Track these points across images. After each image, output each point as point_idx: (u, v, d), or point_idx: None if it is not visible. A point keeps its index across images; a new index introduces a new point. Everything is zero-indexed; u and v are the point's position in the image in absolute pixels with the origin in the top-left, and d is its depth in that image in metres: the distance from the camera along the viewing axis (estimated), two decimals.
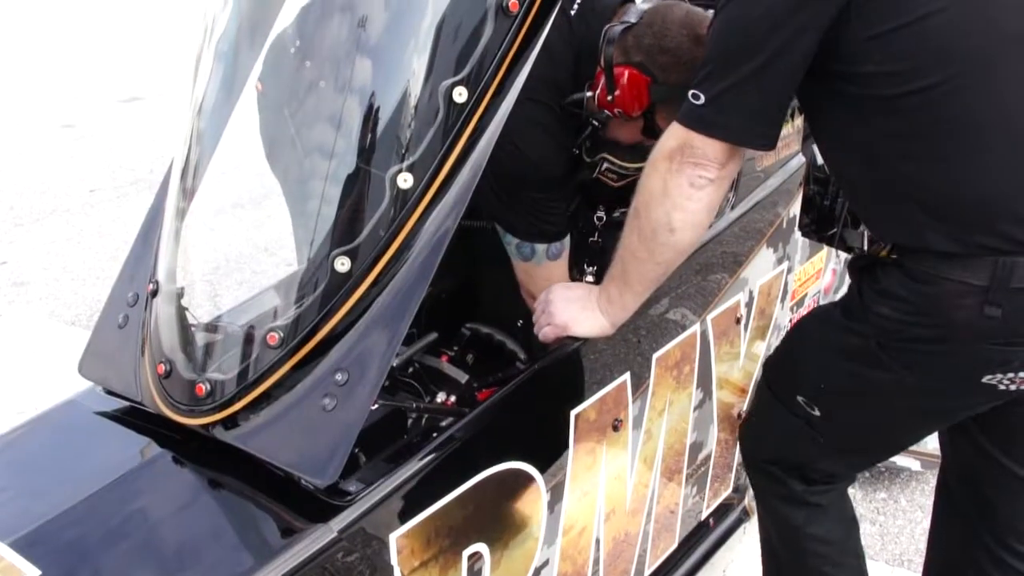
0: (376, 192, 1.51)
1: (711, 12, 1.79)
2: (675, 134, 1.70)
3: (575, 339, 1.91)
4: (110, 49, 10.72)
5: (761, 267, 2.49)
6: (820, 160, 2.81)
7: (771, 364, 2.19)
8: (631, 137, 2.18)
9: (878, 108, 1.63)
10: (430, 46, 1.53)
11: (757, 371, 2.64)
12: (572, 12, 2.07)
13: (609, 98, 2.02)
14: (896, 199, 1.69)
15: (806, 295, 2.85)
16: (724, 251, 2.32)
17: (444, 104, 1.51)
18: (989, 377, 1.70)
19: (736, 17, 1.64)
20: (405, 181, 1.49)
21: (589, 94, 2.06)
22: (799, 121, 2.60)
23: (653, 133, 2.10)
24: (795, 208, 2.61)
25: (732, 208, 2.35)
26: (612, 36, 2.01)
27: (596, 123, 2.11)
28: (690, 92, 1.66)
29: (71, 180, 6.60)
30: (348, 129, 1.54)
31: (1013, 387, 1.70)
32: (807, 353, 2.00)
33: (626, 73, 2.00)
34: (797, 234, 2.66)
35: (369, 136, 1.53)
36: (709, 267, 2.27)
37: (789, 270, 2.66)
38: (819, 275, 2.91)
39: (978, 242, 1.61)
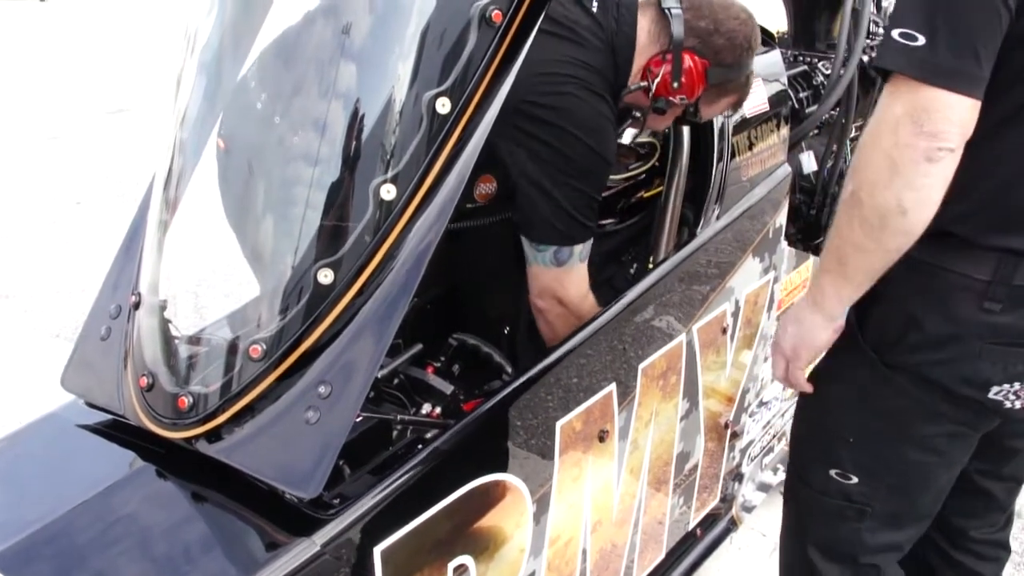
0: (359, 203, 1.50)
1: None
2: (899, 95, 1.45)
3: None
4: (96, 60, 10.70)
5: (747, 277, 2.48)
6: (806, 170, 2.82)
7: (793, 449, 2.03)
8: (664, 126, 2.19)
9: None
10: (413, 57, 1.52)
11: (743, 380, 2.64)
12: (593, 8, 2.02)
13: (675, 84, 1.99)
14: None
15: (792, 305, 2.85)
16: (710, 260, 2.32)
17: (427, 115, 1.50)
18: (997, 390, 1.64)
19: None
20: (388, 192, 1.49)
21: (644, 84, 2.03)
22: (784, 131, 2.60)
23: (685, 121, 2.13)
24: (781, 218, 2.61)
25: (718, 218, 2.35)
26: (679, 21, 1.99)
27: (638, 114, 2.09)
28: (895, 32, 1.42)
29: (57, 192, 6.58)
30: (331, 140, 1.53)
31: (1018, 404, 1.66)
32: (824, 415, 1.89)
33: (687, 58, 1.98)
34: (783, 243, 2.66)
35: (352, 147, 1.53)
36: (695, 276, 2.27)
37: (775, 280, 2.66)
38: (805, 285, 2.91)
39: (992, 240, 1.57)
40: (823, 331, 1.73)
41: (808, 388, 1.83)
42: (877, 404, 1.77)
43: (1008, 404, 1.67)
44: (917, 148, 1.43)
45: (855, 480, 1.84)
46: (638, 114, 2.08)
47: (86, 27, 12.35)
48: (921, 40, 1.41)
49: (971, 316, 1.60)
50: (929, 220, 1.51)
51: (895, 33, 1.43)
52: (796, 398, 3.19)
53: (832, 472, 1.85)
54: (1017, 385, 1.64)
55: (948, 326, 1.63)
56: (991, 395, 1.66)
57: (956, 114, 1.42)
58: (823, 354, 1.79)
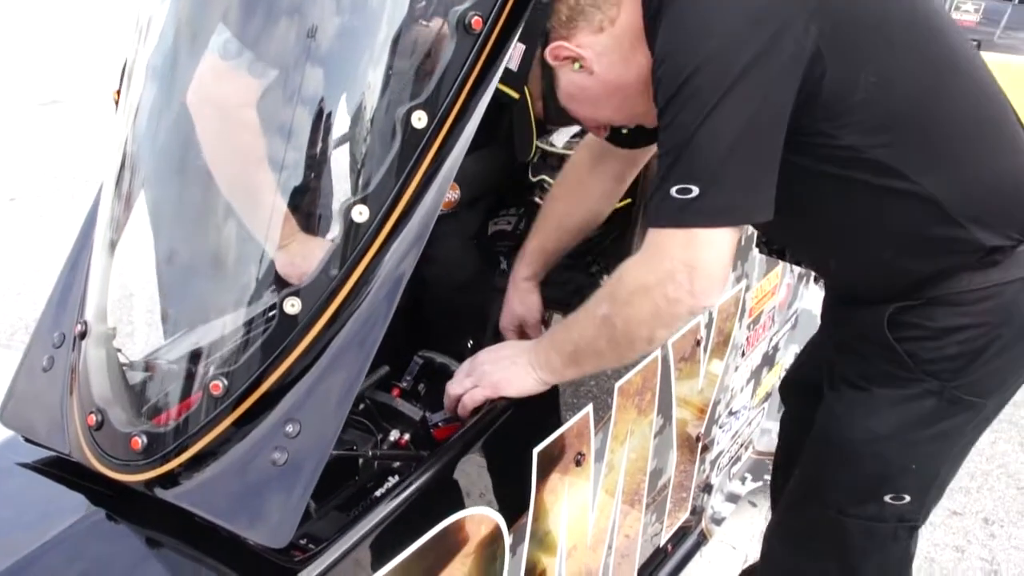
0: (328, 227, 1.39)
1: None
2: (667, 248, 1.48)
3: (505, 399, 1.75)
4: (26, 50, 10.36)
5: None
6: None
7: (827, 489, 1.93)
8: None
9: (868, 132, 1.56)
10: (386, 67, 1.41)
11: (715, 392, 2.56)
12: None
13: None
14: (922, 222, 1.63)
15: (762, 312, 2.79)
16: None
17: (402, 130, 1.39)
18: None
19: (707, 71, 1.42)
20: (360, 214, 1.37)
21: None
22: None
23: None
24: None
25: None
26: None
27: None
28: (671, 189, 1.43)
29: None
30: (296, 158, 1.41)
31: None
32: (881, 450, 1.81)
33: None
34: (754, 251, 2.59)
35: (319, 165, 1.41)
36: None
37: (747, 288, 2.59)
38: (775, 291, 2.85)
39: (1022, 228, 1.65)
40: (530, 388, 1.72)
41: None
42: (943, 426, 1.77)
43: None
44: (683, 304, 1.50)
45: (908, 499, 1.84)
46: None
47: (13, 14, 11.97)
48: (696, 191, 1.42)
49: None
50: None
51: (672, 191, 1.44)
52: (765, 406, 3.16)
53: (886, 498, 1.84)
54: None
55: (1017, 330, 1.69)
56: None
57: (725, 255, 1.48)
58: None
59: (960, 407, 1.74)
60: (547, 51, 1.61)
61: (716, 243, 1.46)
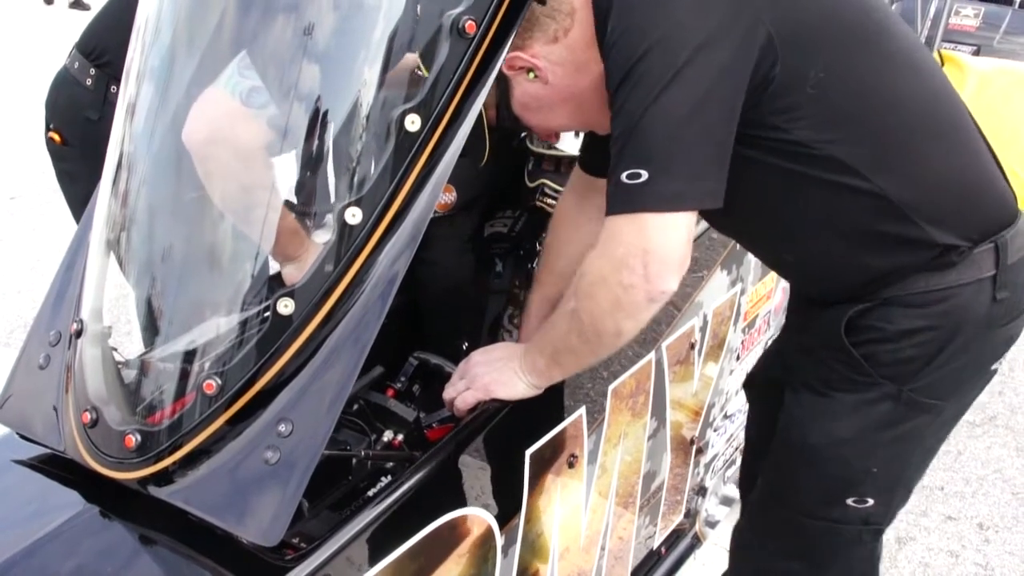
0: (322, 228, 1.40)
1: None
2: (620, 234, 1.48)
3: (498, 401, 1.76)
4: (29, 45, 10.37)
5: (715, 290, 2.42)
6: None
7: (790, 493, 1.93)
8: None
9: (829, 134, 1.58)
10: (380, 71, 1.43)
11: (709, 395, 2.58)
12: None
13: None
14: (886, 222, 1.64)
15: (757, 316, 2.80)
16: None
17: (395, 133, 1.40)
18: (995, 364, 1.79)
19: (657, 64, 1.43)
20: (353, 216, 1.39)
21: None
22: None
23: None
24: None
25: None
26: None
27: None
28: (622, 175, 1.43)
29: None
30: (298, 162, 1.43)
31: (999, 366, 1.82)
32: (842, 454, 1.82)
33: None
34: (749, 255, 2.60)
35: (313, 168, 1.42)
36: None
37: (742, 292, 2.60)
38: (770, 295, 2.86)
39: (978, 230, 1.66)
40: (522, 392, 1.74)
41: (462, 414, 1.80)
42: (902, 428, 1.78)
43: (994, 370, 1.82)
44: (639, 290, 1.48)
45: (871, 502, 1.84)
46: None
47: (17, 9, 12.00)
48: (645, 175, 1.42)
49: (990, 312, 1.68)
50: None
51: (623, 176, 1.44)
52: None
53: (849, 501, 1.84)
54: (1005, 354, 1.81)
55: (966, 334, 1.69)
56: (991, 368, 1.80)
57: (676, 239, 1.46)
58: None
59: (918, 410, 1.75)
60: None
61: (669, 228, 1.45)
